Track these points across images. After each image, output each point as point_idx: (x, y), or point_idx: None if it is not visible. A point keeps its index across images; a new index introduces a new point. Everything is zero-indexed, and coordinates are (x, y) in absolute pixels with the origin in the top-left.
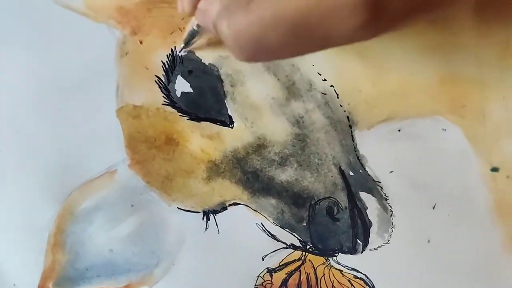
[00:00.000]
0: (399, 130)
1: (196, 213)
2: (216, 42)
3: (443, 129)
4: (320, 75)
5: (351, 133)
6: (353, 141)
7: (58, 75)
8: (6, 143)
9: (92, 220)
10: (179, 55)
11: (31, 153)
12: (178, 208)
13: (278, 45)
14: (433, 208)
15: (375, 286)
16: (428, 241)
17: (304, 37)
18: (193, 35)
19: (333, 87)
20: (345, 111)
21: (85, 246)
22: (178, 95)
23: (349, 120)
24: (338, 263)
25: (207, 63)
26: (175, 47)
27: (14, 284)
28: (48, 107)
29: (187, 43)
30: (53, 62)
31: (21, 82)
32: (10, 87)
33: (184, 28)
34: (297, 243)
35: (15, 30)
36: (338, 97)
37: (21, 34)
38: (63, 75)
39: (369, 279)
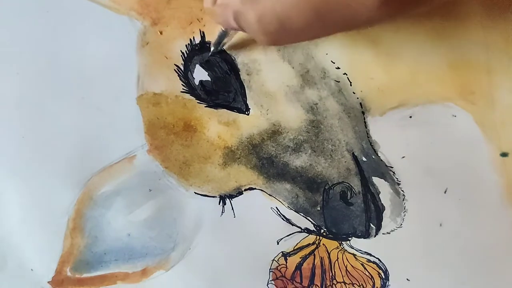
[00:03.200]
0: (411, 117)
1: (212, 198)
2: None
3: (453, 115)
4: (334, 63)
5: (364, 119)
6: (366, 127)
7: (81, 64)
8: (28, 129)
9: (111, 204)
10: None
11: (53, 139)
12: (195, 193)
13: (302, 25)
14: (445, 192)
15: (388, 269)
16: (440, 225)
17: (326, 17)
18: (222, 37)
19: (346, 75)
20: (358, 98)
21: (103, 230)
22: (197, 83)
23: (362, 107)
24: (352, 247)
25: (224, 53)
26: (193, 37)
27: (31, 269)
28: (71, 95)
29: (217, 46)
30: (77, 51)
31: (45, 71)
32: (35, 75)
33: (202, 18)
34: (311, 227)
35: (42, 23)
36: (351, 85)
37: (47, 26)
38: (86, 64)
39: (382, 263)
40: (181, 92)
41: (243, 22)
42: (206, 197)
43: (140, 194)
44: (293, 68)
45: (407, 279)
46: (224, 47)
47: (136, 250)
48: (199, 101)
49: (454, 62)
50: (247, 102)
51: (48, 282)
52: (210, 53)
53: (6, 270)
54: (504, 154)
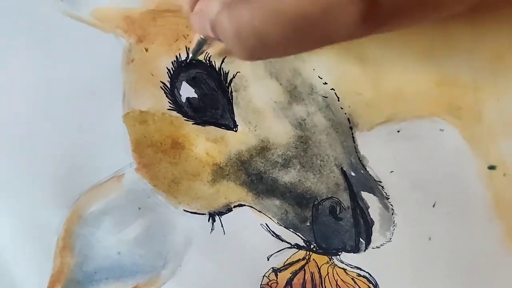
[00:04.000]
0: (398, 131)
1: (202, 215)
2: (221, 48)
3: (440, 129)
4: (321, 78)
5: (352, 134)
6: (354, 142)
7: (67, 82)
8: (16, 149)
9: (100, 223)
10: (185, 62)
11: (41, 158)
12: (185, 210)
13: (280, 40)
14: (433, 206)
15: (378, 283)
16: (429, 239)
17: (305, 32)
18: (200, 45)
19: (334, 90)
20: (345, 113)
21: (93, 249)
22: (183, 100)
23: (349, 122)
24: (342, 262)
25: (210, 69)
26: (180, 54)
27: None
28: (57, 113)
29: (196, 53)
30: (63, 69)
31: (31, 89)
32: (21, 94)
33: (188, 35)
34: (301, 243)
35: (27, 41)
36: (339, 100)
37: (32, 44)
38: (72, 82)
39: (372, 277)
40: (168, 109)
41: (220, 33)
42: (196, 215)
43: (129, 213)
44: (280, 84)
45: None
46: (213, 62)
47: (126, 268)
48: (186, 118)
49: (441, 79)
50: (235, 119)
51: None
52: (187, 59)
53: None
54: (491, 167)
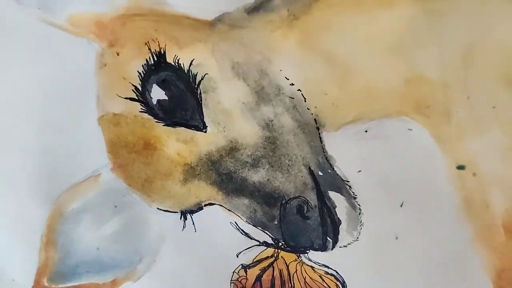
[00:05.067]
0: (366, 131)
1: (174, 213)
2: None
3: (409, 129)
4: (288, 79)
5: (319, 134)
6: (321, 142)
7: (45, 85)
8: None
9: (80, 220)
10: (154, 65)
11: (23, 159)
12: (158, 208)
13: None
14: (401, 206)
15: (345, 281)
16: (396, 238)
17: None
18: None
19: (300, 91)
20: (312, 114)
21: (74, 244)
22: (154, 102)
23: (316, 123)
24: (310, 260)
25: (180, 72)
26: (149, 57)
27: (13, 279)
28: (36, 116)
29: None
30: (41, 74)
31: (9, 94)
32: (0, 100)
33: (157, 38)
34: (270, 241)
35: (4, 47)
36: (305, 101)
37: (11, 51)
38: (50, 86)
39: (340, 275)
40: (140, 111)
41: None
42: (168, 212)
43: (106, 210)
44: (248, 85)
45: None
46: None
47: (105, 263)
48: (157, 120)
49: (409, 76)
50: (204, 120)
51: None
52: (156, 62)
53: None
54: (460, 167)
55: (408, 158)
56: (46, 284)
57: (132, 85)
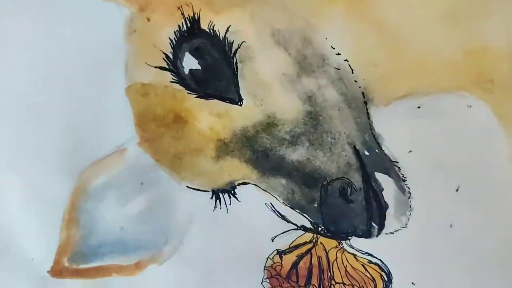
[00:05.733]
0: (419, 107)
1: (205, 192)
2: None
3: (468, 105)
4: (334, 49)
5: (367, 110)
6: (369, 118)
7: (69, 55)
8: (23, 124)
9: (103, 198)
10: (187, 31)
11: (46, 132)
12: (187, 186)
13: None
14: (456, 190)
15: (391, 272)
16: (450, 226)
17: None
18: None
19: (347, 61)
20: (360, 87)
21: (97, 223)
22: (186, 72)
23: (364, 97)
24: (352, 247)
25: (215, 39)
26: (182, 23)
27: (32, 259)
28: (60, 87)
29: None
30: (64, 41)
31: (34, 63)
32: (25, 69)
33: (191, 3)
34: (308, 225)
35: (27, 15)
36: (352, 72)
37: (33, 18)
38: (74, 54)
39: (385, 265)
40: (171, 82)
41: None
42: (199, 191)
43: (132, 188)
44: (289, 54)
45: (412, 283)
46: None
47: (129, 244)
48: (189, 92)
49: (471, 47)
50: (240, 92)
51: (48, 271)
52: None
53: (8, 259)
54: None
55: (465, 137)
56: (66, 264)
57: (163, 53)
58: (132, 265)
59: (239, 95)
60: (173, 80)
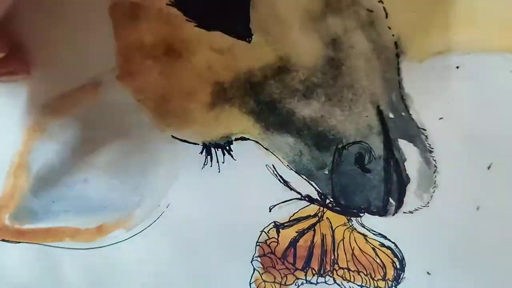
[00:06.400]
0: (458, 67)
1: (194, 145)
2: None
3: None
4: None
5: (398, 64)
6: (399, 75)
7: None
8: None
9: (66, 140)
10: None
11: None
12: (173, 136)
13: None
14: (488, 168)
15: (405, 258)
16: (477, 208)
17: None
18: None
19: (382, 3)
20: (393, 35)
21: (54, 171)
22: None
23: (397, 47)
24: (363, 226)
25: None
26: None
27: None
28: None
29: None
30: None
31: None
32: None
33: None
34: (315, 195)
35: None
36: (387, 17)
37: None
38: None
39: (399, 249)
40: (167, 4)
41: None
42: (186, 144)
43: (103, 131)
44: None
45: (428, 273)
46: None
47: (92, 201)
48: (187, 18)
49: None
50: (250, 26)
51: None
52: None
53: None
54: None
55: (506, 107)
56: (7, 221)
57: None
58: (93, 228)
59: (249, 29)
60: (170, 3)
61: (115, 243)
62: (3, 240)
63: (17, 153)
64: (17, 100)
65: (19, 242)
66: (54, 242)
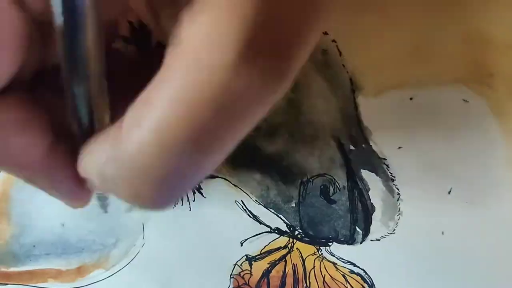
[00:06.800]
0: (411, 99)
1: None
2: None
3: (464, 100)
4: None
5: (354, 100)
6: (356, 109)
7: None
8: None
9: None
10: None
11: None
12: None
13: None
14: (449, 193)
15: (374, 284)
16: (442, 233)
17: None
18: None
19: (336, 42)
20: (348, 72)
21: (33, 218)
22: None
23: (352, 84)
24: (332, 255)
25: None
26: None
27: None
28: None
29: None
30: None
31: None
32: None
33: None
34: (284, 228)
35: None
36: (340, 55)
37: None
38: None
39: (368, 275)
40: None
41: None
42: None
43: None
44: None
45: None
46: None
47: (70, 244)
48: None
49: (470, 36)
50: None
51: None
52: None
53: None
54: None
55: (460, 135)
56: None
57: None
58: (73, 269)
59: None
60: None
61: (94, 283)
62: None
63: None
64: None
65: (7, 284)
66: (38, 283)
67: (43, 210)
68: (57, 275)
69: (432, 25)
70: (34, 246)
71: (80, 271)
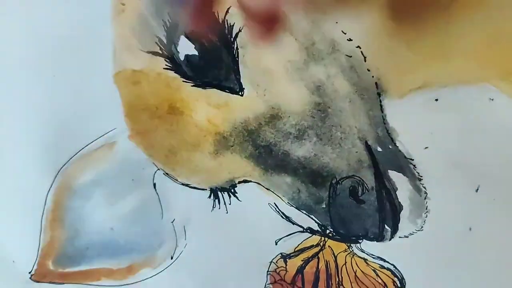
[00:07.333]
0: (437, 100)
1: (202, 191)
2: None
3: (490, 98)
4: (345, 34)
5: (380, 102)
6: (382, 111)
7: (50, 36)
8: None
9: (91, 195)
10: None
11: (26, 122)
12: (183, 184)
13: None
14: (476, 191)
15: (404, 277)
16: (470, 229)
17: None
18: None
19: (360, 48)
20: (373, 76)
21: (84, 223)
22: (182, 58)
23: (377, 87)
24: (362, 251)
25: (213, 21)
26: None
27: (13, 261)
28: (41, 72)
29: None
30: (44, 21)
31: (11, 49)
32: (2, 54)
33: None
34: (315, 227)
35: None
36: (365, 60)
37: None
38: (55, 36)
39: (398, 270)
40: (164, 68)
41: None
42: (196, 190)
43: (122, 185)
44: (295, 39)
45: None
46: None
47: (120, 246)
48: (184, 80)
49: (494, 35)
50: (241, 81)
51: (31, 275)
52: None
53: None
54: None
55: (487, 133)
56: (51, 267)
57: (156, 36)
58: (124, 268)
59: (240, 84)
60: (167, 67)
61: (143, 280)
62: (50, 282)
63: (50, 210)
64: (43, 162)
65: (64, 283)
66: (92, 281)
67: (93, 216)
68: (109, 273)
69: (455, 25)
70: (87, 248)
71: (130, 270)
